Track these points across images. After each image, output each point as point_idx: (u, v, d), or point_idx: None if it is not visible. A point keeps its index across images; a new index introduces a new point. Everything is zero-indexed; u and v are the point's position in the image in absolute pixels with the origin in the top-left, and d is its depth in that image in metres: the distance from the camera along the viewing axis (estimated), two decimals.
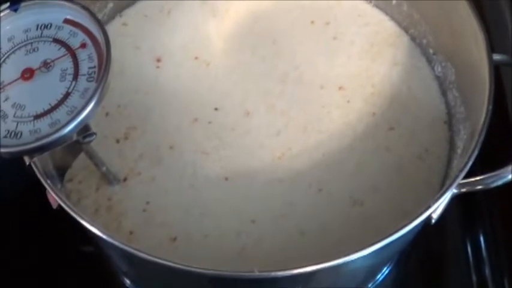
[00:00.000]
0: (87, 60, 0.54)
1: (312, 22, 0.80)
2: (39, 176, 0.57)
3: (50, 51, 0.55)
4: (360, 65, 0.76)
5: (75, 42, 0.55)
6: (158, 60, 0.76)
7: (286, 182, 0.68)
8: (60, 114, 0.52)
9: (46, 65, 0.55)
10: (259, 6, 0.81)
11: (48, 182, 0.57)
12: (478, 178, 0.60)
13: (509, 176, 0.60)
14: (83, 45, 0.55)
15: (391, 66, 0.76)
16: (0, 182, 0.79)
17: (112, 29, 0.79)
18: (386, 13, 0.81)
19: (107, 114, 0.72)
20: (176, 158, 0.69)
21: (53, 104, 0.53)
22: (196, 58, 0.76)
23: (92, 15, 0.55)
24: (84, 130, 0.55)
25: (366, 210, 0.66)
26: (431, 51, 0.76)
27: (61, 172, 0.63)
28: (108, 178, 0.67)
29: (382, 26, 0.80)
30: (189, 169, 0.69)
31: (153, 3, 0.81)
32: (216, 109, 0.73)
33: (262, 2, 0.81)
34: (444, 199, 0.58)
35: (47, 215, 0.62)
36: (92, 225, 0.54)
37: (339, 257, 0.52)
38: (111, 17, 0.80)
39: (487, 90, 0.61)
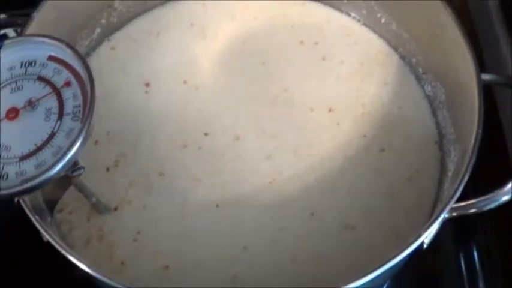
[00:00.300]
0: (72, 98, 0.54)
1: (301, 42, 0.79)
2: (27, 212, 0.56)
3: (35, 89, 0.55)
4: (350, 85, 0.76)
5: (59, 80, 0.55)
6: (147, 85, 0.76)
7: (277, 207, 0.68)
8: (46, 155, 0.52)
9: (31, 104, 0.54)
10: (248, 28, 0.80)
11: (37, 217, 0.57)
12: (470, 202, 0.60)
13: (504, 198, 0.60)
14: (67, 84, 0.54)
15: (381, 86, 0.76)
16: None
17: (100, 53, 0.79)
18: (375, 32, 0.80)
19: (96, 142, 0.72)
20: (167, 185, 0.69)
21: (38, 145, 0.52)
22: (185, 82, 0.76)
23: (76, 52, 0.55)
24: (72, 165, 0.55)
25: (358, 234, 0.66)
26: (420, 70, 0.76)
27: (51, 205, 0.63)
28: (99, 208, 0.67)
29: (371, 44, 0.79)
30: (179, 196, 0.68)
31: (142, 26, 0.81)
32: (206, 134, 0.72)
33: (251, 23, 0.81)
34: (436, 225, 0.58)
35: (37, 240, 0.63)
36: (80, 260, 0.54)
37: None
38: (99, 41, 0.80)
39: (476, 114, 0.61)
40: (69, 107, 0.54)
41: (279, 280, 0.63)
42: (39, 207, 0.60)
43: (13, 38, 0.57)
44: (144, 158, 0.71)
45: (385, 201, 0.68)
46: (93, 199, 0.65)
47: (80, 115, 0.53)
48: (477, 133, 0.60)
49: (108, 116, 0.73)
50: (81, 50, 0.77)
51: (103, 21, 0.79)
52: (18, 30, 0.69)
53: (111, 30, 0.80)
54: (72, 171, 0.56)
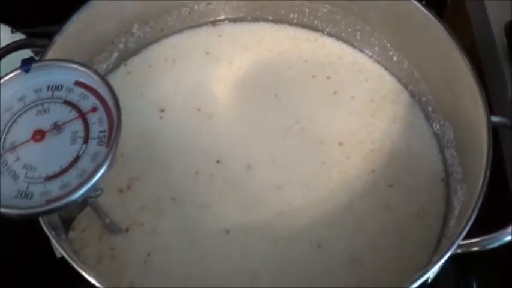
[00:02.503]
0: (98, 123, 0.55)
1: (314, 76, 0.81)
2: (44, 227, 0.58)
3: (61, 113, 0.56)
4: (360, 120, 0.78)
5: (85, 105, 0.56)
6: (162, 111, 0.77)
7: (285, 237, 0.69)
8: (71, 177, 0.53)
9: (57, 127, 0.55)
10: (262, 60, 0.82)
11: (53, 233, 0.58)
12: (473, 240, 0.61)
13: (506, 239, 0.61)
14: (94, 109, 0.56)
15: (390, 123, 0.78)
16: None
17: (117, 77, 0.80)
18: (387, 69, 0.82)
19: None
20: (178, 211, 0.70)
21: (63, 167, 0.53)
22: (198, 110, 0.78)
23: (103, 79, 0.56)
24: None
25: (364, 268, 0.67)
26: (430, 109, 0.78)
27: (66, 223, 0.63)
28: (111, 229, 0.68)
29: (382, 81, 0.81)
30: (190, 222, 0.69)
31: (158, 52, 0.83)
32: (218, 162, 0.74)
33: (265, 55, 0.82)
34: (442, 261, 0.59)
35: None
36: (95, 279, 0.55)
37: None
38: (116, 65, 0.81)
39: (484, 156, 0.62)
40: (94, 131, 0.55)
41: None
42: (55, 224, 0.61)
43: (41, 61, 0.58)
44: (157, 182, 0.72)
45: (392, 237, 0.69)
46: (107, 220, 0.66)
47: (105, 140, 0.54)
48: (485, 175, 0.61)
49: (122, 138, 0.72)
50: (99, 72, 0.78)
51: (121, 45, 0.80)
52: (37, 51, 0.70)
53: (128, 55, 0.82)
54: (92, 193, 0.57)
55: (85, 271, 0.55)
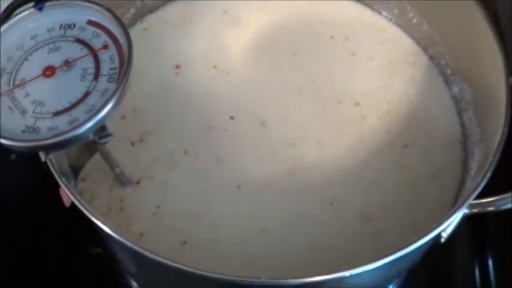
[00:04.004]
0: (109, 61, 0.55)
1: (332, 37, 0.80)
2: (54, 173, 0.57)
3: (73, 50, 0.56)
4: (378, 81, 0.77)
5: (97, 43, 0.56)
6: (177, 67, 0.77)
7: (297, 194, 0.68)
8: (79, 112, 0.53)
9: (68, 63, 0.55)
10: (280, 19, 0.81)
11: (63, 179, 0.57)
12: (489, 199, 0.60)
13: None
14: (105, 47, 0.55)
15: (408, 85, 0.76)
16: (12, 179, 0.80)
17: (133, 33, 0.76)
18: (406, 31, 0.81)
19: (123, 117, 0.72)
20: (190, 164, 0.70)
21: (72, 102, 0.53)
22: (215, 67, 0.77)
23: (116, 17, 0.56)
24: (101, 130, 0.55)
25: (376, 226, 0.66)
26: (449, 71, 0.77)
27: (75, 171, 0.63)
28: (122, 180, 0.67)
29: (401, 43, 0.80)
30: (202, 175, 0.69)
31: (176, 10, 0.82)
32: (232, 118, 0.73)
33: (284, 16, 0.81)
34: (455, 218, 0.58)
35: (56, 214, 0.64)
36: (104, 224, 0.55)
37: (346, 269, 0.52)
38: (133, 22, 0.81)
39: (503, 113, 0.61)
40: (105, 68, 0.54)
41: (294, 266, 0.63)
42: (65, 171, 0.61)
43: (54, 0, 0.58)
44: (170, 136, 0.71)
45: (405, 196, 0.68)
46: (117, 170, 0.65)
47: (116, 77, 0.54)
48: (503, 131, 0.60)
49: (136, 93, 0.73)
50: None
51: (138, 2, 0.80)
52: None
53: (145, 11, 0.81)
54: (100, 137, 0.56)
55: (94, 216, 0.55)
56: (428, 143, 0.72)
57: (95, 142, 0.56)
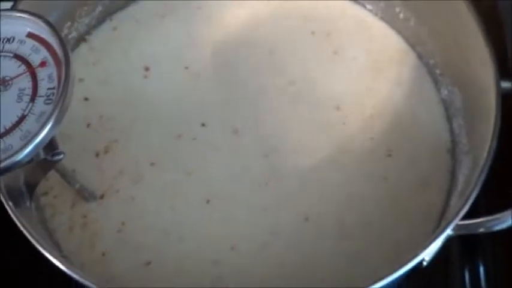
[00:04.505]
0: (47, 80, 0.50)
1: (313, 33, 0.74)
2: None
3: (10, 67, 0.51)
4: (361, 83, 0.71)
5: (36, 60, 0.51)
6: (146, 69, 0.72)
7: (271, 208, 0.64)
8: (14, 139, 0.48)
9: (4, 82, 0.51)
10: (257, 14, 0.75)
11: (10, 204, 0.54)
12: (478, 220, 0.55)
13: None
14: (43, 64, 0.50)
15: (394, 86, 0.71)
16: None
17: (101, 33, 0.75)
18: (393, 27, 0.75)
19: (88, 125, 0.68)
20: (157, 177, 0.66)
21: (7, 127, 0.49)
22: (186, 68, 0.72)
23: (54, 29, 0.51)
24: (51, 148, 0.52)
25: (355, 244, 0.62)
26: (438, 72, 0.71)
27: (30, 188, 0.60)
28: (84, 195, 0.64)
29: (388, 40, 0.74)
30: (169, 189, 0.65)
31: (147, 7, 0.76)
32: (202, 125, 0.68)
33: (261, 10, 0.76)
34: (438, 242, 0.53)
35: None
36: (50, 252, 0.52)
37: None
38: (101, 20, 0.75)
39: (492, 125, 0.56)
40: (43, 89, 0.50)
41: (264, 285, 0.60)
42: (18, 189, 0.58)
43: None
44: (136, 146, 0.67)
45: (388, 212, 0.64)
46: (77, 185, 0.62)
47: (54, 98, 0.49)
48: (490, 146, 0.56)
49: (103, 99, 0.70)
50: (81, 28, 0.73)
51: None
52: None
53: (114, 9, 0.76)
54: (52, 156, 0.53)
55: (40, 244, 0.52)
56: (414, 151, 0.67)
57: (47, 160, 0.53)
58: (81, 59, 0.72)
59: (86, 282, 0.50)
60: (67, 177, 0.60)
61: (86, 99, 0.70)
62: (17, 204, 0.55)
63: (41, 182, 0.60)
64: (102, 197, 0.64)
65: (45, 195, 0.64)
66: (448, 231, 0.53)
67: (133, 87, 0.71)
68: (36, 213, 0.62)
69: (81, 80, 0.70)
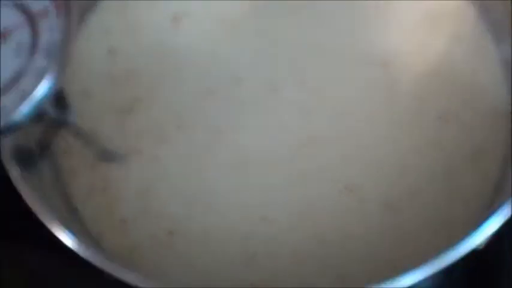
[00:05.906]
0: (48, 32, 0.45)
1: None
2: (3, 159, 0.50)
3: (9, 18, 0.46)
4: (413, 38, 0.64)
5: (37, 9, 0.46)
6: (177, 19, 0.66)
7: (309, 175, 0.58)
8: (12, 97, 0.44)
9: (3, 34, 0.46)
10: None
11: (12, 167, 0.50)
12: None
13: None
14: (45, 13, 0.45)
15: (451, 42, 0.64)
16: None
17: None
18: None
19: (111, 80, 0.64)
20: (184, 136, 0.61)
21: (4, 84, 0.44)
22: (221, 19, 0.66)
23: None
24: (62, 106, 0.49)
25: (402, 220, 0.56)
26: (499, 29, 0.64)
27: (44, 149, 0.56)
28: (103, 157, 0.59)
29: None
30: (197, 150, 0.60)
31: None
32: (237, 80, 0.63)
33: None
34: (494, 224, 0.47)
35: None
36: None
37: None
38: None
39: None
40: (43, 41, 0.45)
41: (301, 263, 0.55)
42: (29, 150, 0.54)
43: None
44: (164, 103, 0.62)
45: (439, 183, 0.57)
46: (95, 147, 0.57)
47: (54, 51, 0.44)
48: None
49: (128, 53, 0.65)
50: None
51: None
52: None
53: None
54: (63, 114, 0.49)
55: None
56: (471, 116, 0.60)
57: (57, 119, 0.49)
58: (105, 7, 0.67)
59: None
60: (82, 138, 0.55)
61: (110, 51, 0.65)
62: (26, 168, 0.51)
63: (58, 141, 0.57)
64: (124, 158, 0.60)
65: (64, 155, 0.60)
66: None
67: (162, 39, 0.66)
68: (53, 176, 0.58)
69: (104, 30, 0.66)
